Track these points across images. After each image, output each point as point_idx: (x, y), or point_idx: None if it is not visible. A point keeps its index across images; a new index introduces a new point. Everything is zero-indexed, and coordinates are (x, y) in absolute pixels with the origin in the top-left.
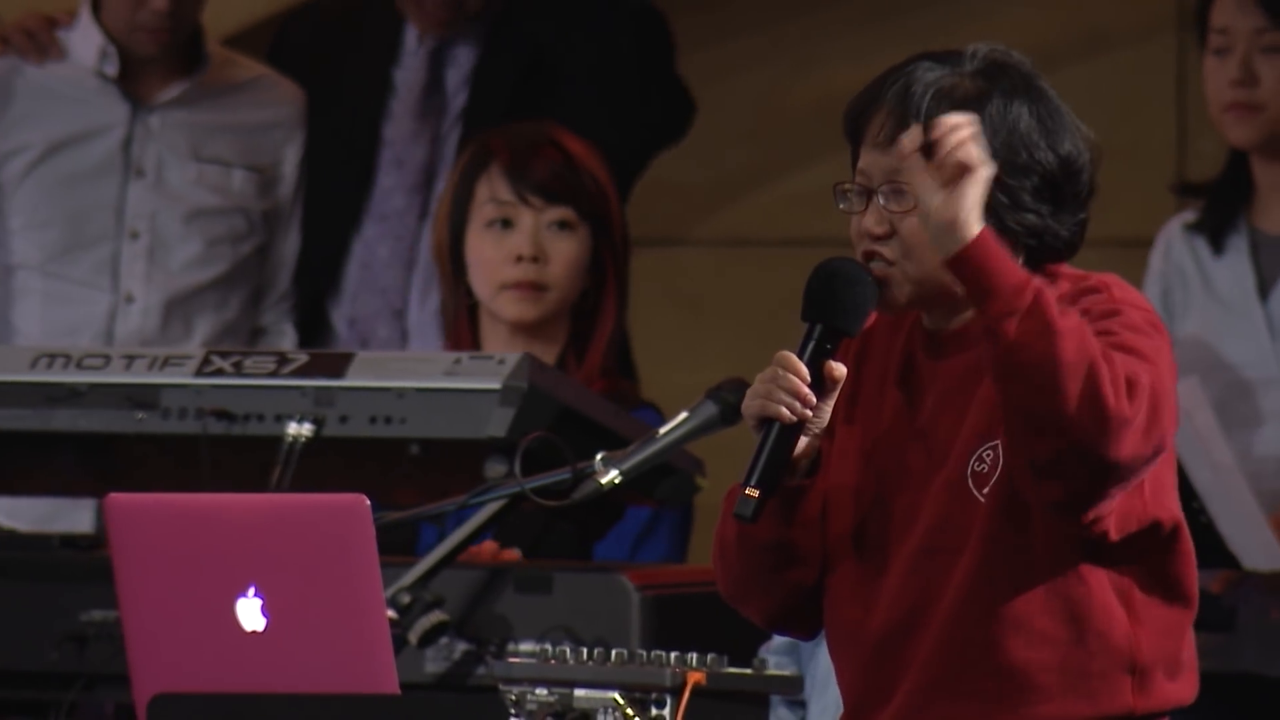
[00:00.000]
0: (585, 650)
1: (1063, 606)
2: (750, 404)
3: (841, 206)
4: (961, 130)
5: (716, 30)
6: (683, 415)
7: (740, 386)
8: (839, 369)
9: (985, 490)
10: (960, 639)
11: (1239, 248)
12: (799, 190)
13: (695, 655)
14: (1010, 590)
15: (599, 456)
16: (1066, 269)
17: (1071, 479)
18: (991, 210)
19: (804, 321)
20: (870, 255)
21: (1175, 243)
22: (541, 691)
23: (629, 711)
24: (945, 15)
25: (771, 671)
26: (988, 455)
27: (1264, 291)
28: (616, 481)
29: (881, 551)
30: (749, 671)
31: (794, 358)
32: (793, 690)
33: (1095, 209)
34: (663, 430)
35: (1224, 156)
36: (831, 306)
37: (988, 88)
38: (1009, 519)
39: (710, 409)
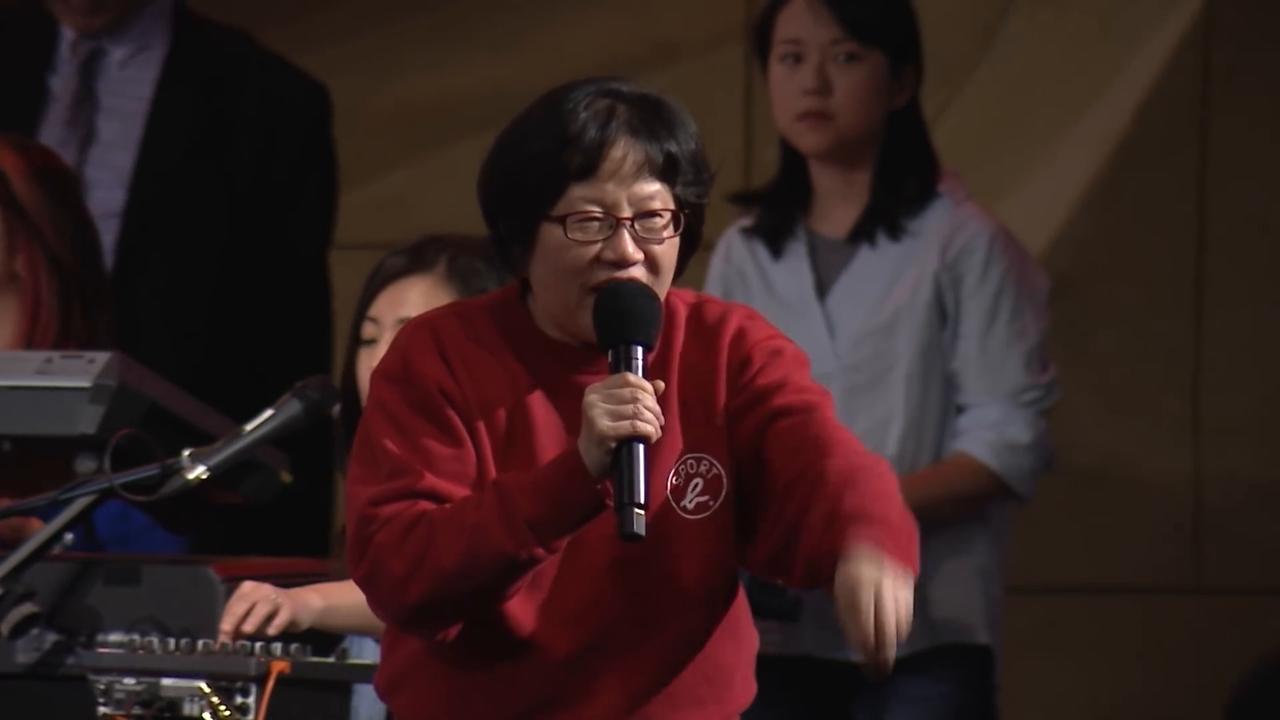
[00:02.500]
0: (172, 640)
1: (734, 614)
2: (618, 425)
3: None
4: None
5: (297, 42)
6: (268, 413)
7: (324, 384)
8: (660, 384)
9: (684, 503)
10: (677, 644)
11: (798, 252)
12: (377, 196)
13: (279, 645)
14: (725, 599)
15: (186, 453)
16: (690, 294)
17: None
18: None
19: (611, 346)
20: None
21: (735, 246)
22: (129, 681)
23: (215, 700)
24: (520, 27)
25: (354, 660)
26: (682, 469)
27: (822, 292)
28: (203, 477)
29: (576, 566)
30: (331, 660)
31: (642, 379)
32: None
33: None
34: (248, 427)
35: (786, 163)
36: (641, 324)
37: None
38: (721, 534)
39: (295, 406)
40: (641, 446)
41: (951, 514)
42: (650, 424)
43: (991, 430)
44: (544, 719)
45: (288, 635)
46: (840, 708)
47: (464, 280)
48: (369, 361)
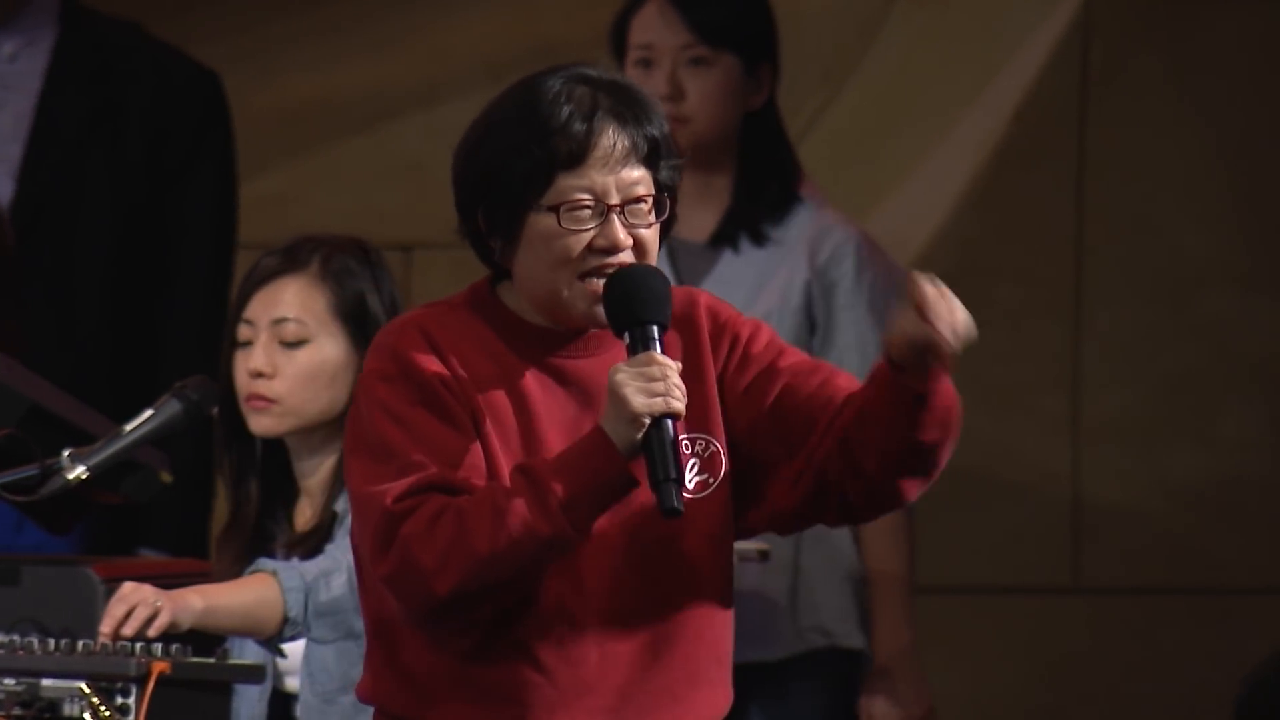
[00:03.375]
0: (52, 641)
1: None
2: (652, 402)
3: (572, 226)
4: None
5: (179, 39)
6: (147, 412)
7: (204, 385)
8: (679, 364)
9: (685, 484)
10: (694, 624)
11: (660, 255)
12: (258, 195)
13: (160, 645)
14: (730, 578)
15: (66, 453)
16: None
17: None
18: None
19: (628, 328)
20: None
21: None
22: (9, 681)
23: (95, 701)
24: (401, 27)
25: (235, 661)
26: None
27: None
28: (83, 477)
29: (595, 553)
30: (212, 661)
31: (667, 358)
32: (255, 679)
33: None
34: (128, 427)
35: None
36: (656, 304)
37: None
38: (723, 511)
39: (174, 406)
40: (671, 423)
41: (910, 555)
42: (680, 401)
43: None
44: (574, 703)
45: (168, 636)
46: (741, 708)
47: (338, 280)
48: (244, 363)
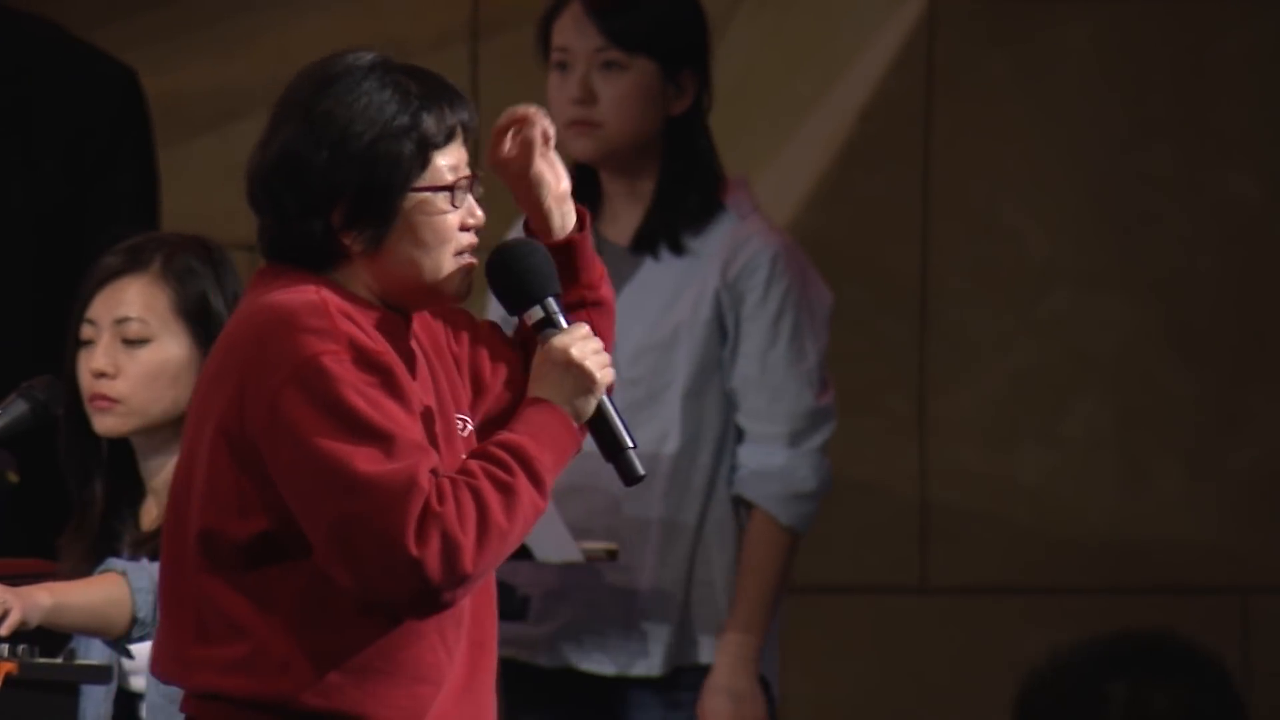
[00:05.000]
0: None
1: None
2: (605, 372)
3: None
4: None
5: None
6: None
7: (50, 384)
8: None
9: None
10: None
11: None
12: None
13: (6, 646)
14: None
15: None
16: None
17: None
18: None
19: (537, 302)
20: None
21: None
22: None
23: None
24: (249, 27)
25: (81, 661)
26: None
27: None
28: None
29: None
30: (59, 662)
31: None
32: (102, 679)
33: None
34: None
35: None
36: (552, 277)
37: None
38: None
39: (20, 406)
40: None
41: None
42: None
43: (778, 482)
44: (451, 680)
45: (15, 635)
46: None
47: (180, 279)
48: (87, 363)
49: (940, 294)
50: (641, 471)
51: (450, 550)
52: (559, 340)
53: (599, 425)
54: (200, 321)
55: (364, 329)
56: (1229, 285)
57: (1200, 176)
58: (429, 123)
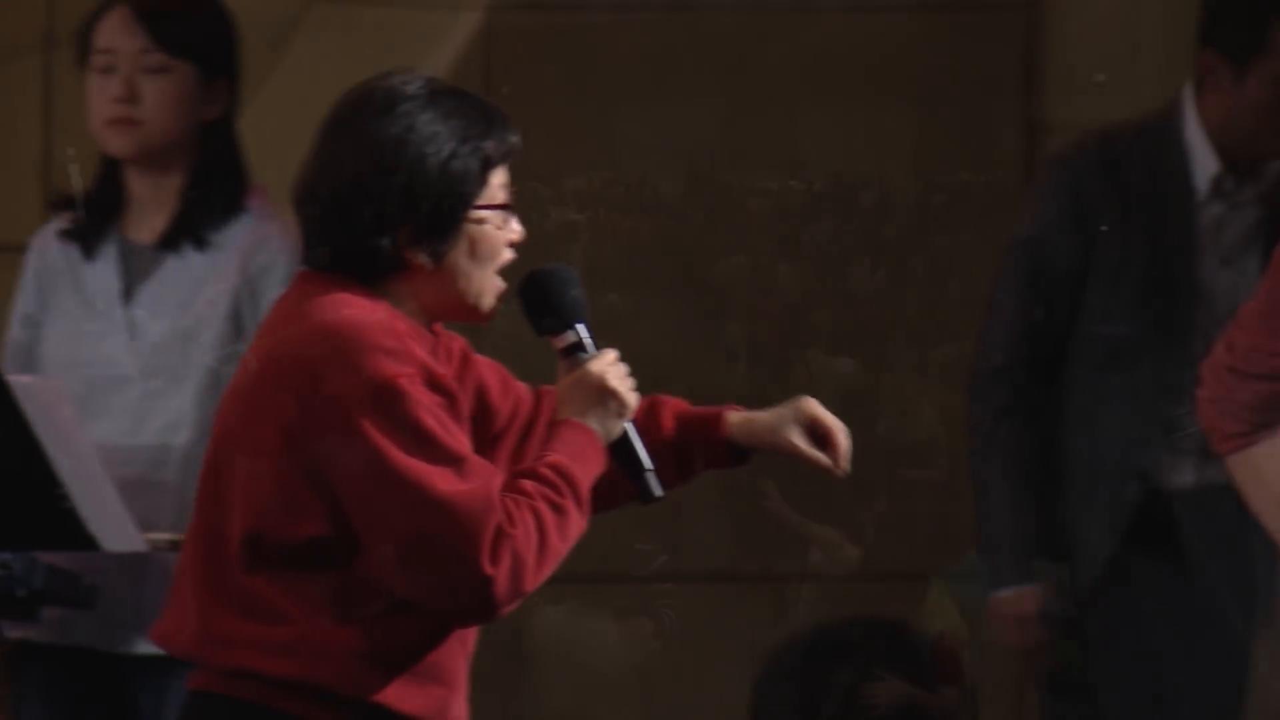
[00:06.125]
0: None
1: None
2: (633, 396)
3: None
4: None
5: None
6: None
7: None
8: None
9: None
10: None
11: (109, 255)
12: None
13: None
14: None
15: None
16: None
17: None
18: None
19: (569, 327)
20: None
21: (50, 246)
22: None
23: None
24: None
25: None
26: None
27: (128, 296)
28: None
29: None
30: None
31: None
32: None
33: None
34: None
35: (91, 169)
36: (583, 306)
37: None
38: None
39: None
40: None
41: None
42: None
43: None
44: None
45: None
46: (129, 700)
47: None
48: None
49: None
50: (659, 492)
51: (518, 569)
52: (595, 366)
53: (622, 447)
54: None
55: (424, 350)
56: None
57: None
58: (490, 144)
